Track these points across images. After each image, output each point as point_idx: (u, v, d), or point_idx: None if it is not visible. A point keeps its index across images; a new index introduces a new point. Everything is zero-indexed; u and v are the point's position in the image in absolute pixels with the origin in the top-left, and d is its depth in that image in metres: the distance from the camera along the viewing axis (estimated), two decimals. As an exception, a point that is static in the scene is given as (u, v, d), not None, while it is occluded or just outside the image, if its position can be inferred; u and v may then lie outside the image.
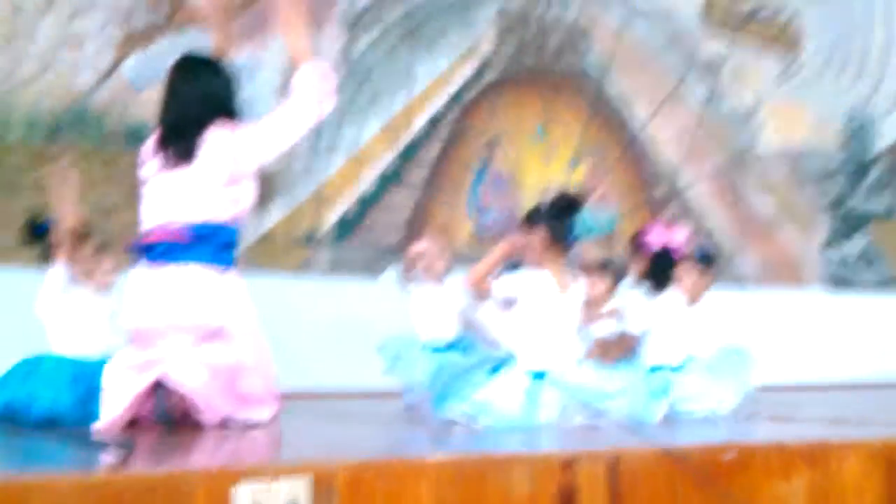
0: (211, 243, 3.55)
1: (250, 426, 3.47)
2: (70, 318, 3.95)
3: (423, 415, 4.12)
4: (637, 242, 4.59)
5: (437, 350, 5.10)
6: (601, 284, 4.80)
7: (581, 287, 4.11)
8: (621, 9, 7.92)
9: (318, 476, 2.35)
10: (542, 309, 3.96)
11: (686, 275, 4.68)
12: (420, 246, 5.23)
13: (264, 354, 3.67)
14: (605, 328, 4.75)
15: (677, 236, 4.61)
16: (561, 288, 4.00)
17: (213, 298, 3.53)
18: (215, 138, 3.57)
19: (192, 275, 3.51)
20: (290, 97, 3.64)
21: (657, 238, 4.56)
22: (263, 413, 3.59)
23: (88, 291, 3.98)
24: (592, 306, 4.55)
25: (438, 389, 4.02)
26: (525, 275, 4.04)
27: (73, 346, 3.91)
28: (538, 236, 4.02)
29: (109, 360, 3.48)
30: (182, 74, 3.71)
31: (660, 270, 4.54)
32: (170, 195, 3.57)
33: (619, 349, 4.52)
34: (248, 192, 3.66)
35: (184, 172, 3.55)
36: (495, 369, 4.01)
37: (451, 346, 5.12)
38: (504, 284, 4.04)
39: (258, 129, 3.63)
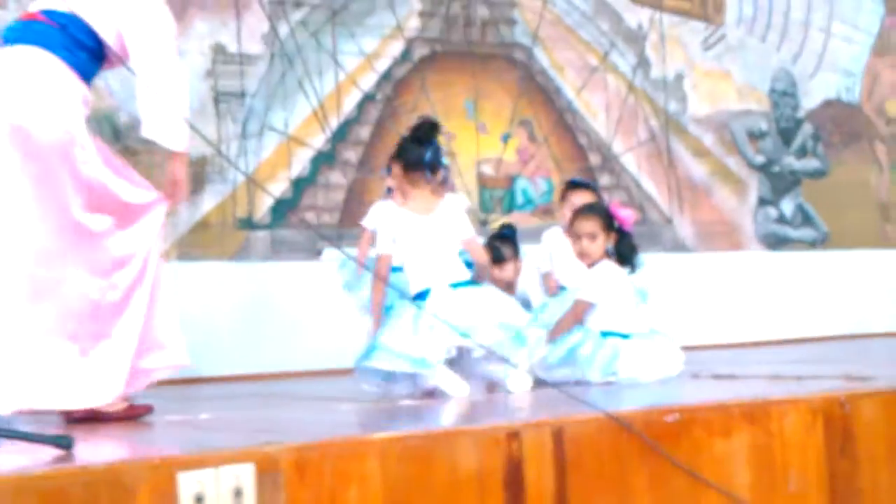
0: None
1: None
2: None
3: (368, 393, 4.12)
4: (611, 218, 4.72)
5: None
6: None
7: (454, 202, 4.30)
8: (546, -20, 7.93)
9: (262, 461, 2.33)
10: (403, 237, 4.24)
11: None
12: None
13: None
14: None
15: (630, 217, 4.79)
16: (424, 211, 4.24)
17: None
18: None
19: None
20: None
21: (622, 218, 4.73)
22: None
23: None
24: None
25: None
26: (379, 207, 4.59)
27: None
28: (397, 169, 4.42)
29: None
30: None
31: (627, 248, 4.69)
32: None
33: (571, 316, 4.59)
34: None
35: None
36: (387, 309, 4.25)
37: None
38: (368, 218, 4.63)
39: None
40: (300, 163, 6.92)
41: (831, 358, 5.61)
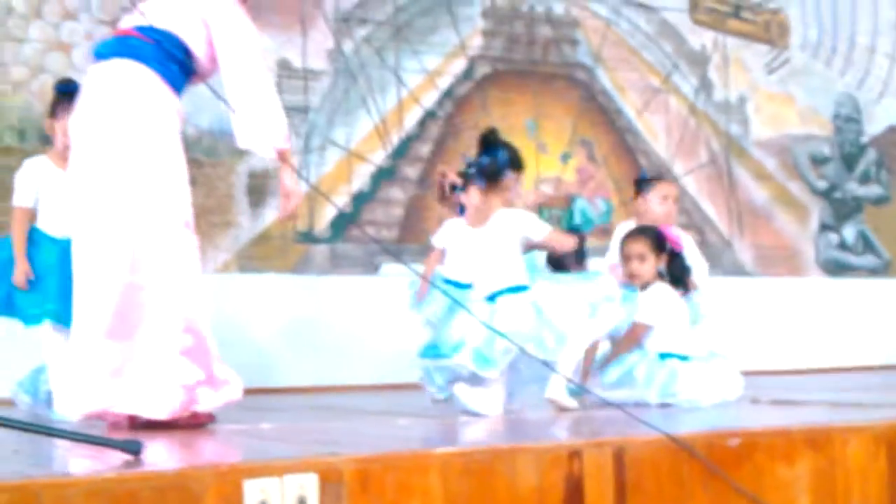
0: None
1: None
2: None
3: (426, 408, 4.13)
4: (661, 240, 4.68)
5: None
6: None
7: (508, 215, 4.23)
8: (609, 1, 7.94)
9: (326, 471, 2.35)
10: (455, 246, 4.38)
11: None
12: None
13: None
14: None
15: (680, 238, 4.80)
16: (474, 223, 4.29)
17: None
18: None
19: None
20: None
21: (673, 239, 4.72)
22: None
23: None
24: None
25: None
26: (450, 224, 4.64)
27: None
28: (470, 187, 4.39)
29: None
30: None
31: (679, 270, 4.68)
32: None
33: (629, 339, 4.57)
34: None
35: None
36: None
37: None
38: (437, 236, 4.65)
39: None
40: (361, 178, 6.98)
41: (893, 386, 5.54)
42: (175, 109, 3.64)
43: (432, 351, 4.12)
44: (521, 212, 4.26)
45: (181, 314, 3.49)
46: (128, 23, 3.72)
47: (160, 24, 3.63)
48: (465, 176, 4.48)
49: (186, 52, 3.65)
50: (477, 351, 3.96)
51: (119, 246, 3.47)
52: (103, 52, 3.67)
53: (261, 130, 3.61)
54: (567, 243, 4.27)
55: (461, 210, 5.05)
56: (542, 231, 4.20)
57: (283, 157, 3.71)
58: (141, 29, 3.62)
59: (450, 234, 4.53)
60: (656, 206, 5.10)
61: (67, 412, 3.57)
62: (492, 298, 4.09)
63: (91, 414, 3.45)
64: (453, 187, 5.20)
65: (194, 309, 3.53)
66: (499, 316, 4.00)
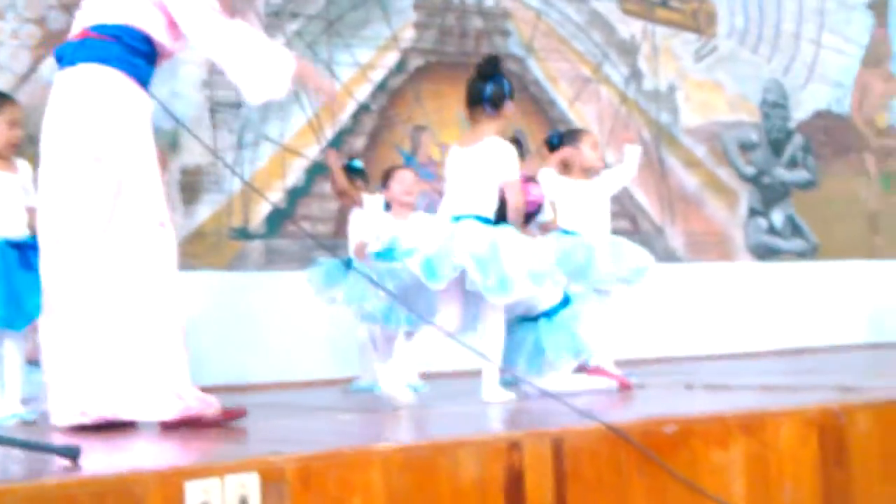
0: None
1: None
2: None
3: (366, 401, 4.14)
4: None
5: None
6: None
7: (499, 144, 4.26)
8: (539, -8, 7.99)
9: (267, 470, 2.36)
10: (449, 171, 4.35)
11: None
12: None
13: None
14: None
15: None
16: (465, 143, 4.33)
17: None
18: None
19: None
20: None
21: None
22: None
23: None
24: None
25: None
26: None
27: None
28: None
29: None
30: None
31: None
32: None
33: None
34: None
35: None
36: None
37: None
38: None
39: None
40: (295, 173, 6.95)
41: (822, 369, 5.65)
42: (145, 108, 3.58)
43: (385, 255, 4.14)
44: (509, 147, 4.28)
45: (165, 314, 3.46)
46: (81, 22, 3.62)
47: (115, 19, 3.54)
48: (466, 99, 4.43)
49: (148, 41, 3.58)
50: (427, 259, 4.00)
51: (98, 250, 3.43)
52: (66, 58, 3.58)
53: (265, 75, 3.57)
54: (519, 202, 4.31)
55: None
56: (511, 176, 4.25)
57: (301, 73, 3.69)
58: (97, 28, 3.54)
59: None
60: (590, 152, 5.30)
61: (63, 420, 3.49)
62: (457, 219, 4.13)
63: (91, 422, 3.42)
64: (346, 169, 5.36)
65: (176, 308, 3.51)
66: (458, 235, 4.05)
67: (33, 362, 4.17)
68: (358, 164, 5.95)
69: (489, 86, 4.27)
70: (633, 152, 5.46)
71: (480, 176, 4.21)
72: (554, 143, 5.35)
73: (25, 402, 4.17)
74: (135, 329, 3.43)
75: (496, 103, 4.27)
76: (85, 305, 3.43)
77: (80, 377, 3.41)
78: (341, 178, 5.70)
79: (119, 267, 3.44)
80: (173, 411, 3.39)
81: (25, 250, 4.20)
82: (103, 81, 3.51)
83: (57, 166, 3.52)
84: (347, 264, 5.45)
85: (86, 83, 3.51)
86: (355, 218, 5.73)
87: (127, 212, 3.47)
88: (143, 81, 3.59)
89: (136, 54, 3.55)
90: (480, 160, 4.22)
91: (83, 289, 3.43)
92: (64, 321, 3.45)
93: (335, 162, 5.73)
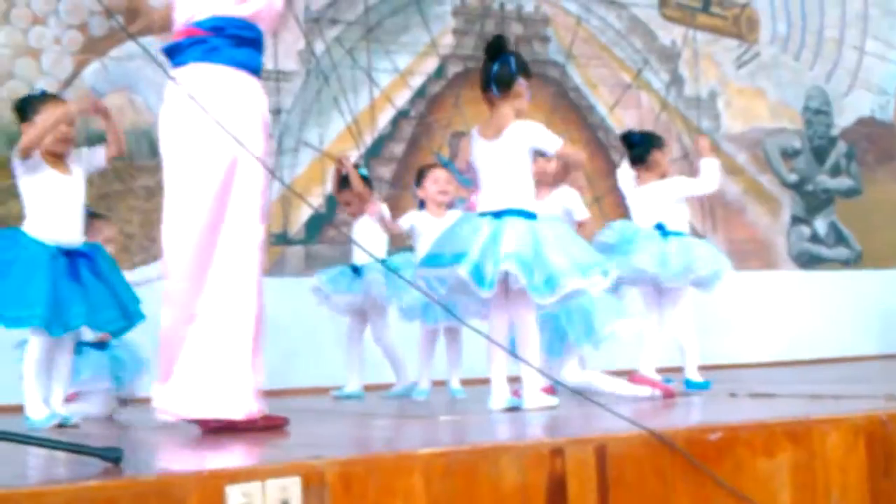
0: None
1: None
2: None
3: (406, 407, 4.12)
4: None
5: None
6: None
7: (526, 127, 4.17)
8: (579, -1, 7.96)
9: (309, 474, 2.34)
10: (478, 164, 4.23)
11: None
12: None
13: None
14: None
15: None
16: (487, 135, 4.19)
17: None
18: None
19: None
20: None
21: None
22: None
23: None
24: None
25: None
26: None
27: None
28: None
29: None
30: None
31: None
32: None
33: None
34: None
35: None
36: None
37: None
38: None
39: None
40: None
41: (867, 377, 5.57)
42: (261, 98, 3.49)
43: (433, 260, 4.08)
44: (534, 123, 4.19)
45: (256, 313, 3.49)
46: (182, 20, 3.49)
47: (208, 12, 3.43)
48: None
49: (252, 27, 3.49)
50: (476, 265, 3.94)
51: (213, 249, 3.42)
52: (176, 57, 3.49)
53: None
54: (579, 157, 4.25)
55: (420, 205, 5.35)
56: (555, 143, 4.15)
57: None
58: (199, 24, 3.43)
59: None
60: (665, 162, 5.40)
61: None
62: (498, 216, 4.06)
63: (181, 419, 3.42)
64: (345, 177, 5.50)
65: (258, 308, 3.51)
66: (502, 235, 3.97)
67: None
68: (365, 171, 5.90)
69: (495, 65, 4.17)
70: (711, 165, 5.35)
71: (512, 168, 4.13)
72: (633, 142, 5.32)
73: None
74: (232, 327, 3.44)
75: (505, 82, 4.16)
76: (199, 302, 3.42)
77: (183, 373, 3.40)
78: (358, 182, 5.62)
79: (229, 264, 3.43)
80: (241, 412, 3.38)
81: (76, 258, 4.21)
82: (214, 83, 3.41)
83: (180, 169, 3.44)
84: (355, 270, 5.49)
85: (198, 86, 3.40)
86: (360, 226, 5.68)
87: (243, 208, 3.43)
88: (256, 68, 3.50)
89: (242, 43, 3.45)
90: (509, 152, 4.13)
91: (200, 287, 3.42)
92: (181, 315, 3.43)
93: (351, 166, 5.67)
